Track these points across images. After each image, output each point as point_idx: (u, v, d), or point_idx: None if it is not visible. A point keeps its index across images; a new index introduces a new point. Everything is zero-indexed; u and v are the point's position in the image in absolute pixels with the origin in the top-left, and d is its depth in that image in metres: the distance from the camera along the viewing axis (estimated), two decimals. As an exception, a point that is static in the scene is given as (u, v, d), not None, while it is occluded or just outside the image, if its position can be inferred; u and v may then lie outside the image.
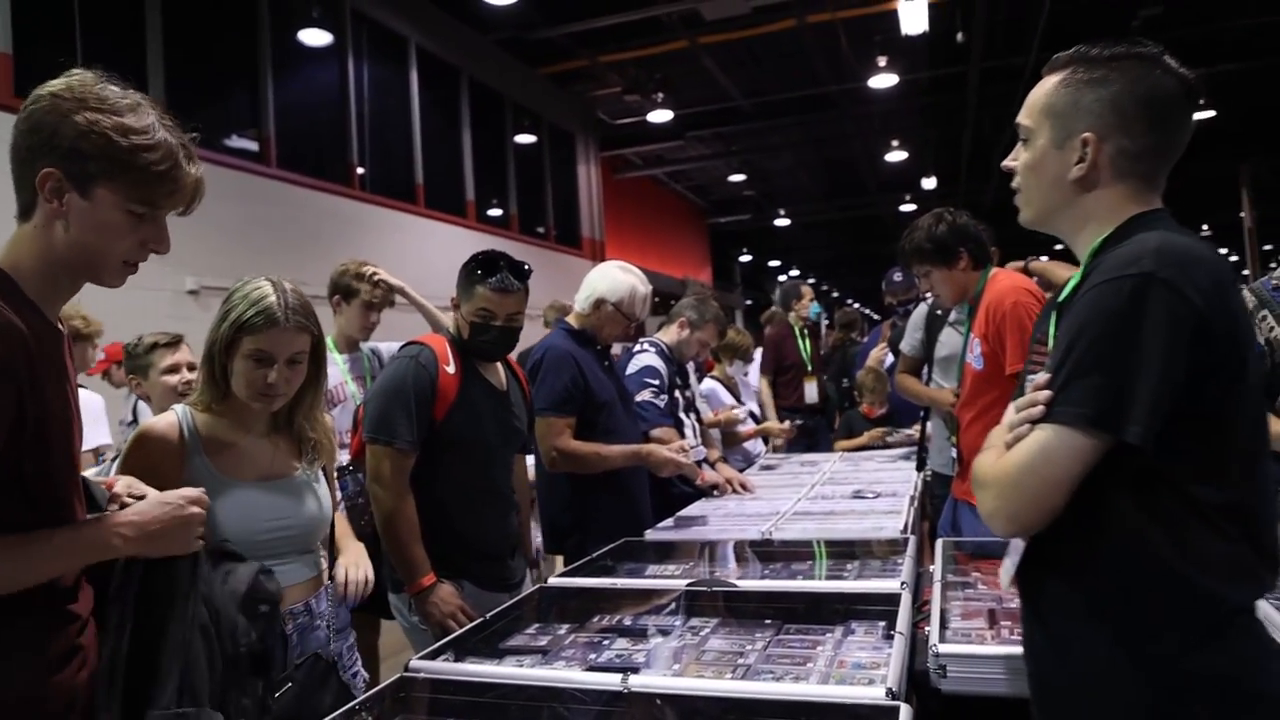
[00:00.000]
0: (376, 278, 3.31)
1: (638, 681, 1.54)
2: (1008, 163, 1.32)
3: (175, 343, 2.76)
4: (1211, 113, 13.22)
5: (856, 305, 21.61)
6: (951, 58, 10.96)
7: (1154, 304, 1.06)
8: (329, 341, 3.34)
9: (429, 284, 3.72)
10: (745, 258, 25.14)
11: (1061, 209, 1.27)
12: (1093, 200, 1.23)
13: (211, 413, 1.77)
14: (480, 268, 2.39)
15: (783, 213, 20.19)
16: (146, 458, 1.68)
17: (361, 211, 8.34)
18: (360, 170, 8.49)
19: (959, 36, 10.14)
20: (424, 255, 8.23)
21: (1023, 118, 1.29)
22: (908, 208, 18.76)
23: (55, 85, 1.25)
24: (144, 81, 6.29)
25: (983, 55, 10.84)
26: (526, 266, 2.45)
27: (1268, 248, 16.90)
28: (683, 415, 3.65)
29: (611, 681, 1.55)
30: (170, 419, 1.75)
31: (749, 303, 25.96)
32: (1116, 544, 1.14)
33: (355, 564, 2.03)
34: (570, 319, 3.03)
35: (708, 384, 4.56)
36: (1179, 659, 1.11)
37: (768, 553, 2.61)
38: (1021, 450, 1.14)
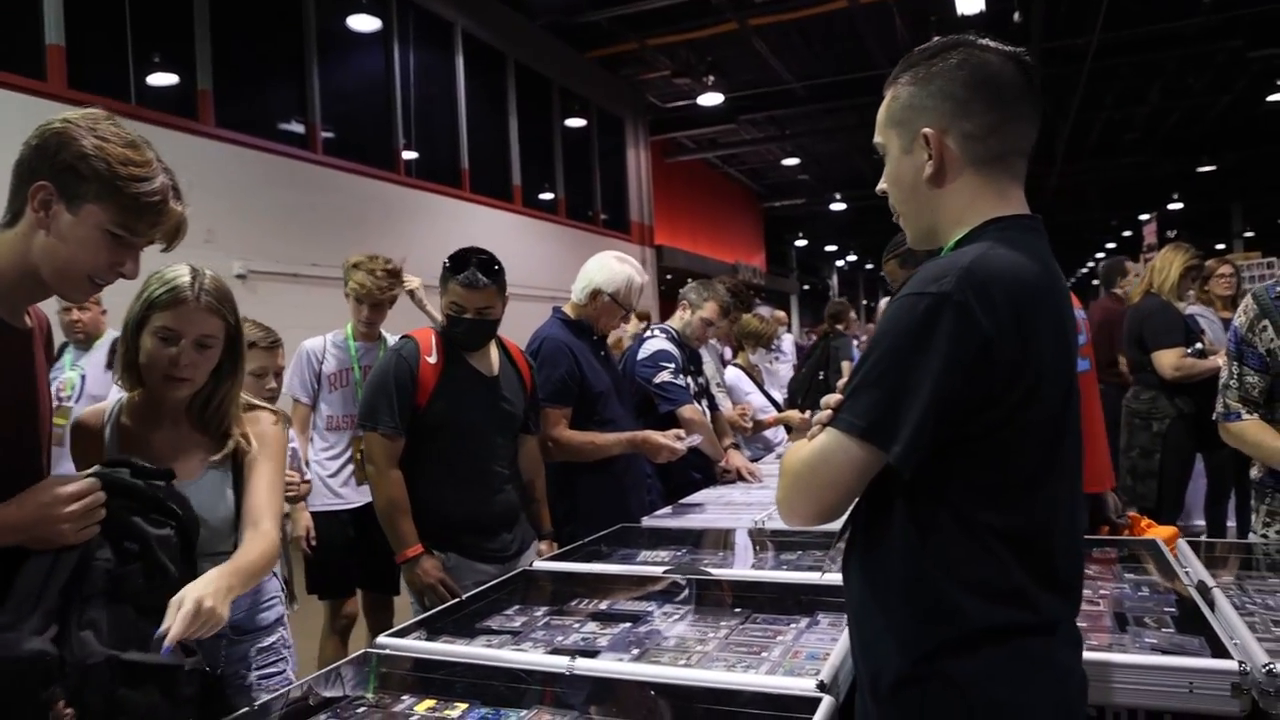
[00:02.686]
0: (381, 271, 3.34)
1: (583, 665, 1.58)
2: (878, 188, 1.30)
3: None
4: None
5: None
6: (1010, 38, 10.52)
7: (942, 326, 1.06)
8: (347, 329, 3.42)
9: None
10: (801, 242, 24.89)
11: (928, 216, 1.25)
12: (951, 197, 1.21)
13: (135, 402, 1.76)
14: (453, 263, 2.50)
15: (838, 196, 19.93)
16: (78, 446, 1.73)
17: (407, 196, 8.49)
18: (406, 155, 8.63)
19: (1016, 16, 9.87)
20: (470, 240, 8.24)
21: (876, 138, 1.28)
22: (967, 192, 18.29)
23: (71, 114, 1.36)
24: (192, 69, 6.49)
25: (1043, 36, 10.53)
26: (497, 266, 2.53)
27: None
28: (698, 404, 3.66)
29: (559, 664, 1.59)
30: (100, 407, 1.79)
31: (805, 288, 25.75)
32: (892, 547, 1.17)
33: (187, 597, 1.40)
34: (566, 309, 3.06)
35: (731, 373, 4.55)
36: (931, 660, 1.13)
37: (758, 542, 2.63)
38: (808, 448, 1.18)
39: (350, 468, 3.43)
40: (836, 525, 1.28)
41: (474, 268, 2.48)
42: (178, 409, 1.74)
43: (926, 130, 1.19)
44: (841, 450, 1.12)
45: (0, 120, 5.23)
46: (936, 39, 1.24)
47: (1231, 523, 4.41)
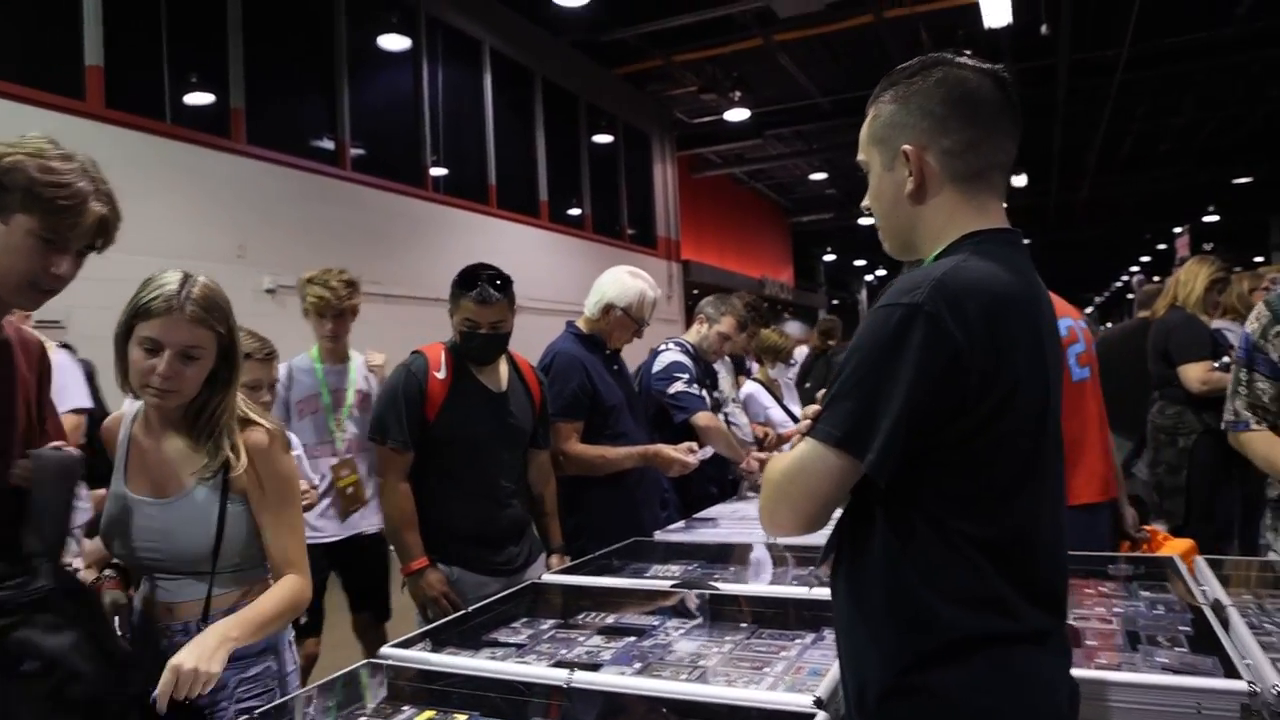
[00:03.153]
0: (336, 280, 3.17)
1: (582, 678, 1.58)
2: (863, 204, 1.32)
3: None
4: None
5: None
6: (1038, 51, 10.60)
7: (914, 336, 1.07)
8: (312, 352, 3.26)
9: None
10: (829, 257, 24.79)
11: (908, 230, 1.27)
12: (931, 212, 1.23)
13: (145, 410, 1.73)
14: (463, 281, 2.55)
15: (866, 211, 19.77)
16: (106, 447, 1.76)
17: (435, 212, 8.57)
18: (434, 172, 8.73)
19: (1043, 29, 9.79)
20: (496, 256, 8.25)
21: (859, 155, 1.31)
22: (997, 206, 18.15)
23: (8, 139, 1.46)
24: (225, 88, 6.62)
25: (1071, 47, 10.45)
26: (498, 281, 2.57)
27: None
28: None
29: (558, 677, 1.59)
30: (120, 414, 1.80)
31: (835, 302, 25.61)
32: (874, 558, 1.17)
33: (181, 663, 1.44)
34: (579, 323, 3.08)
35: (748, 388, 4.54)
36: (914, 671, 1.13)
37: (770, 557, 2.62)
38: (788, 458, 1.19)
39: (329, 498, 3.20)
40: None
41: (485, 284, 2.52)
42: (174, 419, 1.69)
43: (906, 147, 1.21)
44: (819, 459, 1.13)
45: (38, 140, 5.43)
46: (917, 58, 1.26)
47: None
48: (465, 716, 1.51)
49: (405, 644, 1.85)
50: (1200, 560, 2.18)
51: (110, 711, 1.40)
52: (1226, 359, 3.86)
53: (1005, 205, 1.29)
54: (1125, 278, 28.43)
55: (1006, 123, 1.21)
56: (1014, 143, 1.23)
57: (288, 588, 1.68)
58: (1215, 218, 19.47)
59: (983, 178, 1.22)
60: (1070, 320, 2.77)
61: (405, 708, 1.56)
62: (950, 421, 1.10)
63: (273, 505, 1.70)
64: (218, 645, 1.48)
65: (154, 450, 1.69)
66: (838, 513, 1.25)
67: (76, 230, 1.45)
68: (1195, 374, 3.86)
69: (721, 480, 3.53)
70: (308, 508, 2.63)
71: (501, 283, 2.56)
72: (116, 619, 1.64)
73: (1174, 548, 2.46)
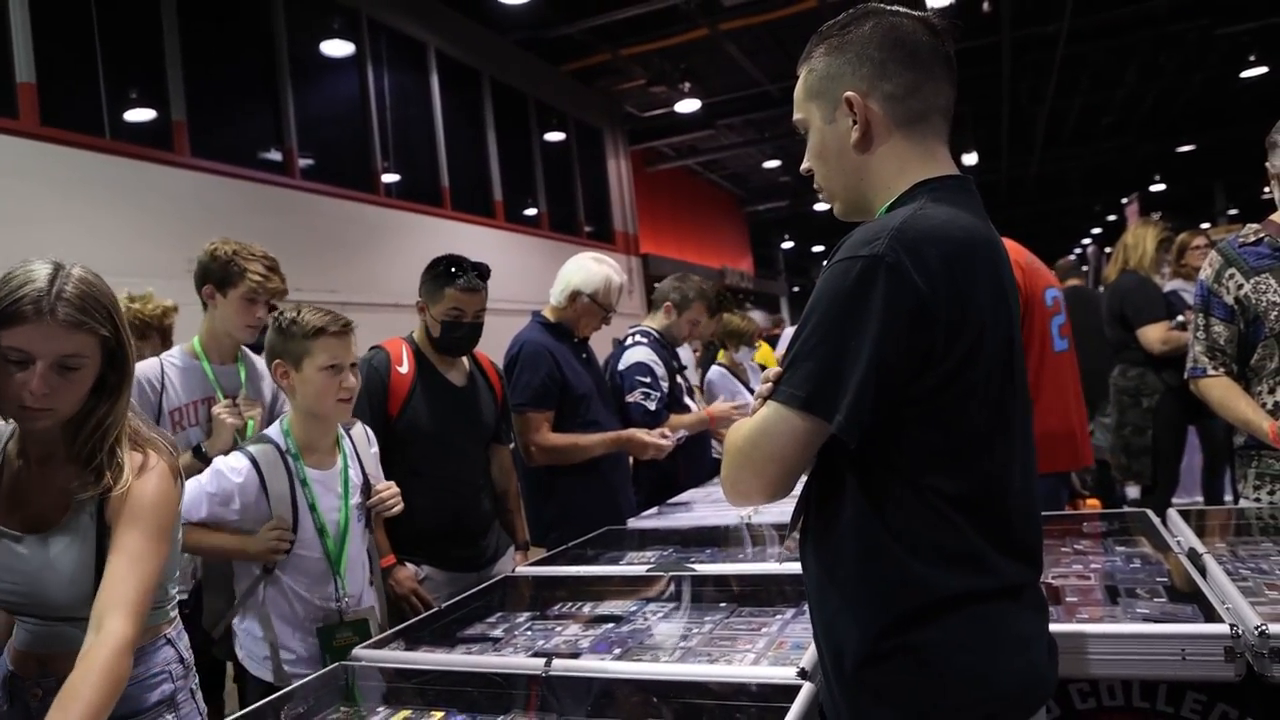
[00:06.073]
0: (269, 257, 2.56)
1: (560, 666, 1.54)
2: (803, 167, 1.28)
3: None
4: (1264, 69, 12.74)
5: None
6: (981, 29, 10.71)
7: (877, 289, 1.04)
8: (194, 345, 2.52)
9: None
10: (787, 244, 24.89)
11: (855, 185, 1.23)
12: (879, 162, 1.20)
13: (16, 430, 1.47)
14: (447, 271, 2.54)
15: (821, 197, 19.88)
16: None
17: (388, 217, 8.45)
18: (385, 177, 8.61)
19: (985, 6, 9.91)
20: (452, 257, 8.33)
21: (795, 116, 1.28)
22: (950, 185, 18.34)
23: None
24: (166, 101, 6.47)
25: (1013, 24, 10.58)
26: (486, 267, 2.59)
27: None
28: (688, 401, 3.62)
29: (535, 666, 1.55)
30: None
31: (795, 289, 25.75)
32: (845, 522, 1.13)
33: None
34: (546, 312, 3.04)
35: (713, 373, 4.52)
36: (893, 633, 1.10)
37: (746, 536, 2.61)
38: (750, 424, 1.15)
39: None
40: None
41: (473, 273, 2.52)
42: (55, 437, 1.42)
43: (849, 94, 1.18)
44: (783, 422, 1.09)
45: (-28, 160, 5.26)
46: (844, 13, 1.23)
47: (1229, 497, 4.38)
48: (441, 714, 1.46)
49: (378, 644, 1.80)
50: (1173, 512, 2.20)
51: None
52: (1181, 318, 3.92)
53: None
54: (1078, 250, 28.93)
55: (942, 68, 1.19)
56: (952, 88, 1.21)
57: (103, 653, 1.23)
58: (1161, 186, 19.82)
59: (927, 121, 1.20)
60: (1055, 290, 2.80)
61: (380, 709, 1.51)
62: (919, 374, 1.07)
63: (124, 529, 1.36)
64: None
65: (32, 477, 1.43)
66: (802, 481, 1.21)
67: None
68: (1154, 335, 3.92)
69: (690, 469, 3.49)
70: (384, 501, 2.20)
71: (484, 272, 2.57)
72: None
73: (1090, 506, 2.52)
